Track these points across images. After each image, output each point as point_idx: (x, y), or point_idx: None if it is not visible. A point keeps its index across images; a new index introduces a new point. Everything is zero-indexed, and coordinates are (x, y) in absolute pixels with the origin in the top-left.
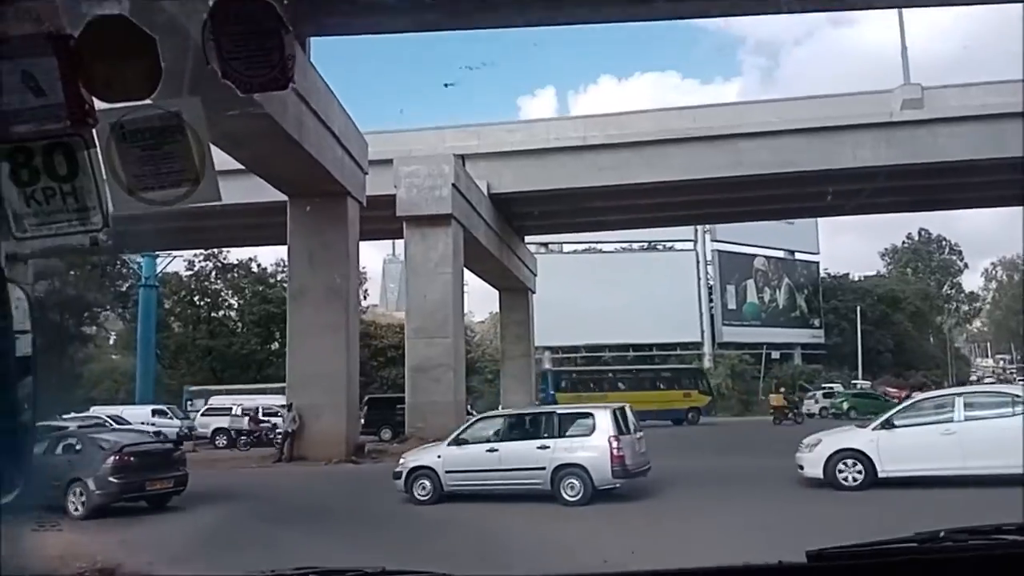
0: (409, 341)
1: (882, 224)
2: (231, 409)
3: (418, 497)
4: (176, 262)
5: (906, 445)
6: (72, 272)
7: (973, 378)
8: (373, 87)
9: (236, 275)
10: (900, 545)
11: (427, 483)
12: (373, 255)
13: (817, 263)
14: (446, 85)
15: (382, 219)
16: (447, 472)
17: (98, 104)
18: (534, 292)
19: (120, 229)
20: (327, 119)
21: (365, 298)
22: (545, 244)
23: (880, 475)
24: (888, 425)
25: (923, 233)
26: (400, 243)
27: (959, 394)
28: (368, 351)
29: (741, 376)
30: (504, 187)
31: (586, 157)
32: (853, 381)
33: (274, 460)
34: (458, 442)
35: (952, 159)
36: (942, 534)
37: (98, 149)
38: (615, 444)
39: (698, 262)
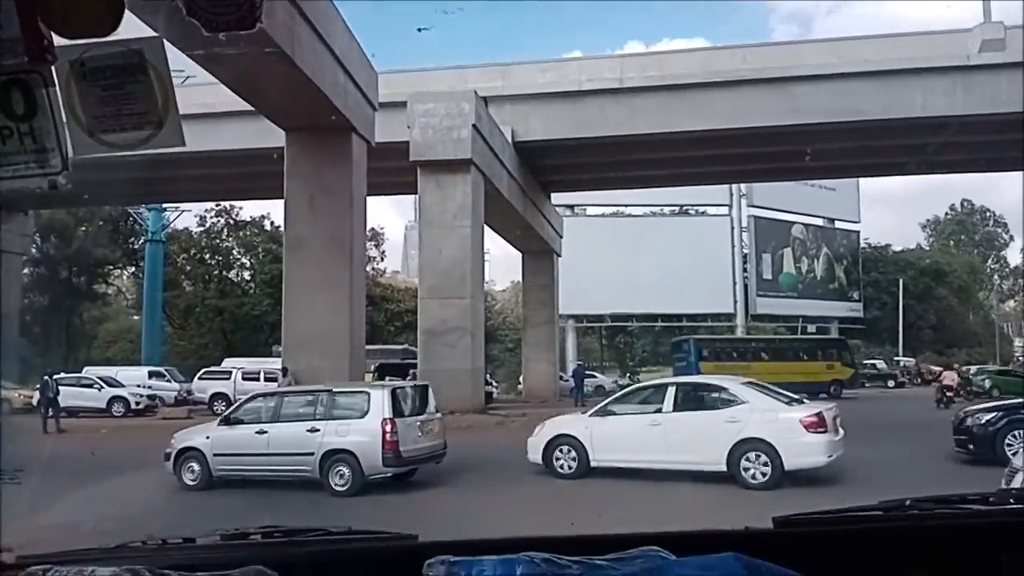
0: (422, 302)
1: (922, 194)
2: (231, 373)
3: (187, 482)
4: (186, 217)
5: (615, 434)
6: (82, 228)
7: (1019, 356)
8: (385, 21)
9: (248, 233)
10: (866, 513)
11: (195, 466)
12: (395, 222)
13: (858, 232)
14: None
15: (398, 171)
16: (215, 455)
17: (57, 40)
18: (559, 255)
19: (122, 177)
20: (326, 36)
21: (382, 260)
22: (571, 206)
23: (592, 464)
24: (604, 412)
25: (966, 204)
26: None
27: (672, 384)
28: (384, 315)
29: None
30: (531, 134)
31: (623, 101)
32: (895, 358)
33: None
34: (229, 421)
35: None
36: (908, 502)
37: (57, 88)
38: (388, 428)
39: (733, 228)
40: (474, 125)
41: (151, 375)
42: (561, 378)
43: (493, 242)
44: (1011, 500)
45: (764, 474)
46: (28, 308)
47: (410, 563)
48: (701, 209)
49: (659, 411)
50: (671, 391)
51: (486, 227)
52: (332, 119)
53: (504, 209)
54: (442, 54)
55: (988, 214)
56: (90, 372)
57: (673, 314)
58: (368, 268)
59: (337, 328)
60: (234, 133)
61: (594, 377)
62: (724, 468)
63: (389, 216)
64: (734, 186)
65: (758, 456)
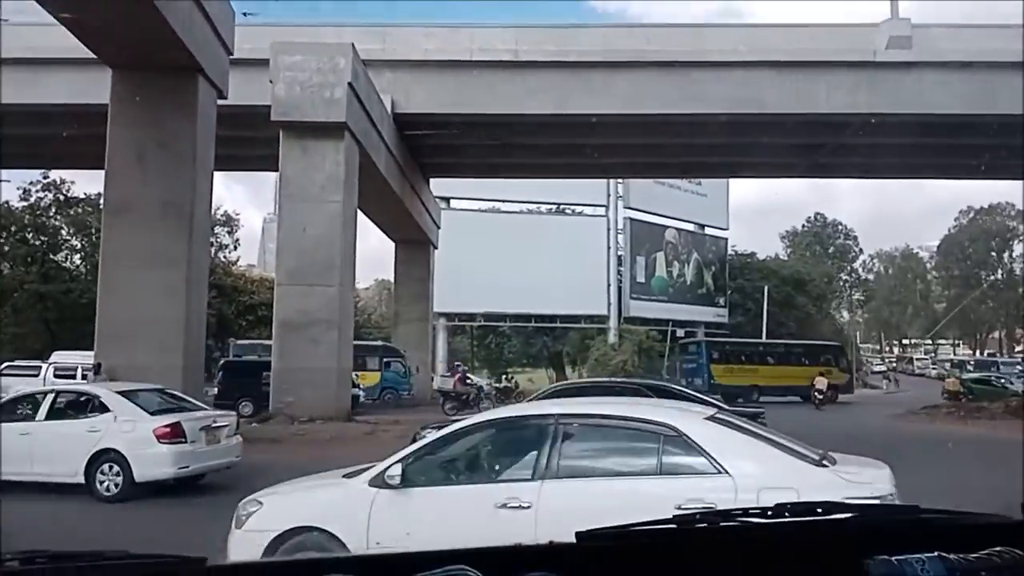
0: (280, 288)
1: (781, 207)
2: (39, 369)
3: None
4: (6, 190)
5: None
6: None
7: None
8: None
9: (81, 211)
10: (663, 527)
11: None
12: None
13: (726, 239)
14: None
15: (259, 142)
16: None
17: None
18: (436, 247)
19: None
20: None
21: (236, 249)
22: (446, 199)
23: None
24: None
25: (819, 217)
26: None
27: (51, 392)
28: (235, 307)
29: (648, 354)
30: (412, 107)
31: (516, 77)
32: None
33: None
34: None
35: (941, 111)
36: (698, 516)
37: None
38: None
39: (609, 230)
40: (350, 84)
41: None
42: (432, 379)
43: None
44: (786, 513)
45: (117, 485)
46: None
47: None
48: (578, 209)
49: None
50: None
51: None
52: (173, 56)
53: (380, 189)
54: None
55: (840, 227)
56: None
57: (547, 315)
58: (220, 256)
59: (169, 316)
60: (63, 84)
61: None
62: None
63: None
64: (611, 186)
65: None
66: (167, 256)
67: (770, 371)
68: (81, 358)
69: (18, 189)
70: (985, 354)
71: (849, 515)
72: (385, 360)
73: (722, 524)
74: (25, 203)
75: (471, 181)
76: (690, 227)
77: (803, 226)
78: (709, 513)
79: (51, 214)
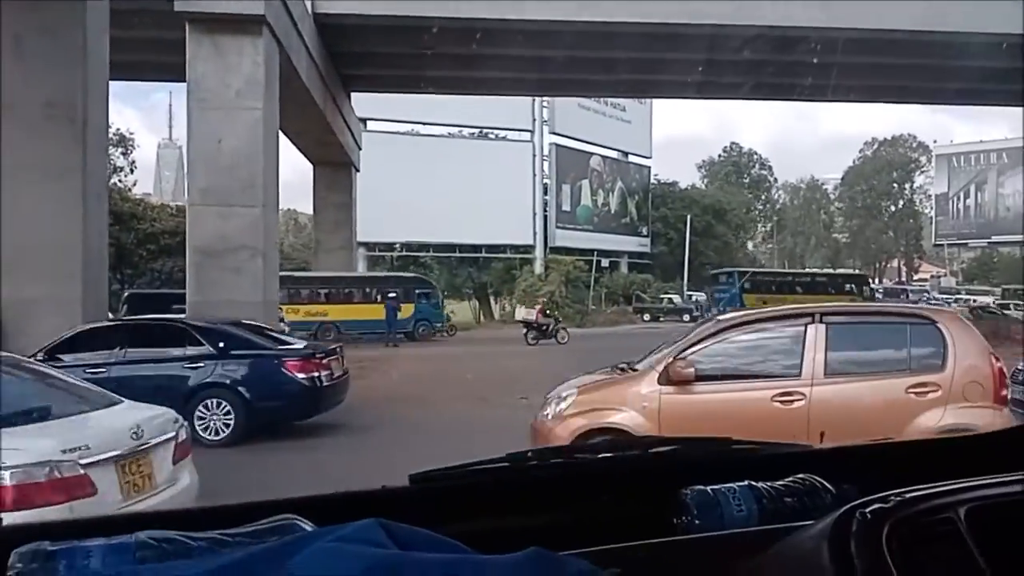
0: (193, 209)
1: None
2: None
3: None
4: None
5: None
6: None
7: None
8: None
9: None
10: (496, 465)
11: None
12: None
13: (649, 168)
14: None
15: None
16: None
17: None
18: (358, 170)
19: None
20: None
21: (132, 173)
22: (363, 120)
23: None
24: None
25: (735, 147)
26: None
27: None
28: (135, 236)
29: (575, 284)
30: (335, 7)
31: None
32: (688, 292)
33: None
34: None
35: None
36: (529, 454)
37: None
38: None
39: (534, 156)
40: None
41: None
42: None
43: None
44: (614, 450)
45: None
46: None
47: None
48: (502, 134)
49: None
50: None
51: None
52: None
53: (300, 101)
54: None
55: (755, 156)
56: None
57: (471, 244)
58: (115, 180)
59: (63, 237)
60: None
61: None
62: None
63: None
64: (537, 110)
65: None
66: (56, 165)
67: (797, 299)
68: None
69: None
70: (882, 283)
71: (668, 448)
72: (418, 292)
73: (552, 461)
74: None
75: (389, 101)
76: (614, 155)
77: (719, 156)
78: (540, 450)
79: None
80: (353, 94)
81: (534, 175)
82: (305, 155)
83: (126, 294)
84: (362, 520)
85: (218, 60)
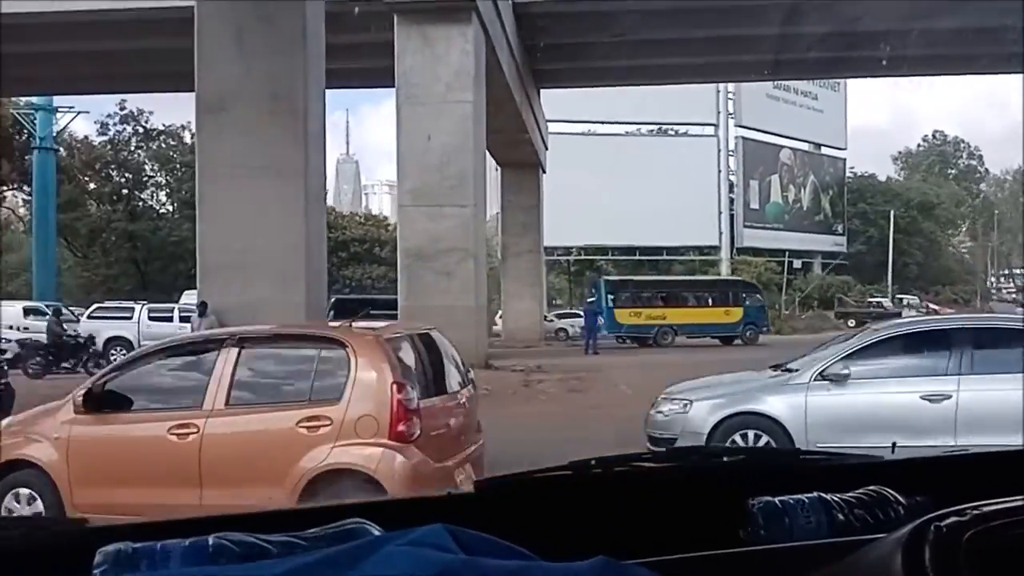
0: (403, 212)
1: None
2: (132, 311)
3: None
4: (83, 123)
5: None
6: None
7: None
8: None
9: (163, 144)
10: (559, 473)
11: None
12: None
13: (844, 160)
14: None
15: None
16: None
17: None
18: (545, 171)
19: None
20: None
21: None
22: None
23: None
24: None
25: (939, 135)
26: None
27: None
28: (327, 244)
29: (765, 287)
30: None
31: None
32: (899, 296)
33: None
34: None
35: None
36: (593, 462)
37: None
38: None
39: (719, 151)
40: None
41: (27, 312)
42: (545, 318)
43: None
44: (677, 458)
45: None
46: None
47: (79, 552)
48: (683, 129)
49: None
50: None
51: None
52: None
53: (499, 97)
54: None
55: (963, 145)
56: None
57: (652, 246)
58: None
59: (287, 239)
60: None
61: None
62: None
63: None
64: (721, 102)
65: None
66: (279, 163)
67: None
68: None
69: (96, 124)
70: None
71: (736, 458)
72: (745, 295)
73: (616, 469)
74: (104, 137)
75: (565, 100)
76: (806, 147)
77: (919, 145)
78: (604, 458)
79: (132, 148)
80: (542, 91)
81: (719, 171)
82: (494, 156)
83: (332, 299)
84: (429, 525)
85: (427, 51)
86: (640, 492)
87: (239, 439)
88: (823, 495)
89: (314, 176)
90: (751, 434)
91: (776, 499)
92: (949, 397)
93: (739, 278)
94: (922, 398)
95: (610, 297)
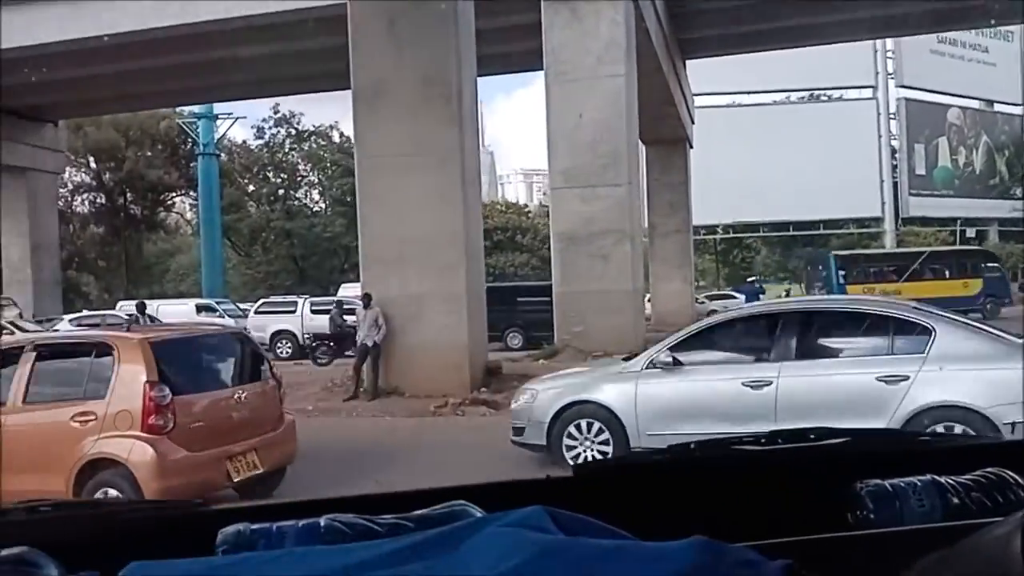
0: (554, 194)
1: None
2: (296, 305)
3: None
4: (240, 129)
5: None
6: (135, 150)
7: None
8: None
9: (314, 145)
10: (658, 457)
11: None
12: None
13: (1021, 117)
14: None
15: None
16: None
17: None
18: (692, 147)
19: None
20: None
21: None
22: None
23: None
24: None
25: None
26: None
27: None
28: None
29: None
30: None
31: None
32: None
33: (345, 396)
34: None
35: None
36: (692, 445)
37: None
38: None
39: (879, 114)
40: None
41: (199, 309)
42: (697, 300)
43: None
44: (779, 440)
45: None
46: (89, 239)
47: (202, 532)
48: (836, 94)
49: None
50: None
51: None
52: None
53: (646, 68)
54: None
55: None
56: (125, 307)
57: (807, 220)
58: None
59: (445, 228)
60: None
61: (735, 298)
62: None
63: None
64: (879, 62)
65: None
66: (436, 150)
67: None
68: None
69: (252, 128)
70: None
71: (842, 440)
72: (984, 266)
73: (715, 452)
74: (261, 141)
75: (708, 70)
76: (977, 105)
77: None
78: (703, 441)
79: (286, 150)
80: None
81: (879, 136)
82: (639, 133)
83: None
84: (529, 507)
85: (575, 26)
86: (741, 475)
87: (30, 431)
88: (936, 477)
89: (469, 160)
90: (584, 423)
91: (886, 482)
92: (769, 383)
93: (976, 248)
94: (744, 384)
95: (840, 273)
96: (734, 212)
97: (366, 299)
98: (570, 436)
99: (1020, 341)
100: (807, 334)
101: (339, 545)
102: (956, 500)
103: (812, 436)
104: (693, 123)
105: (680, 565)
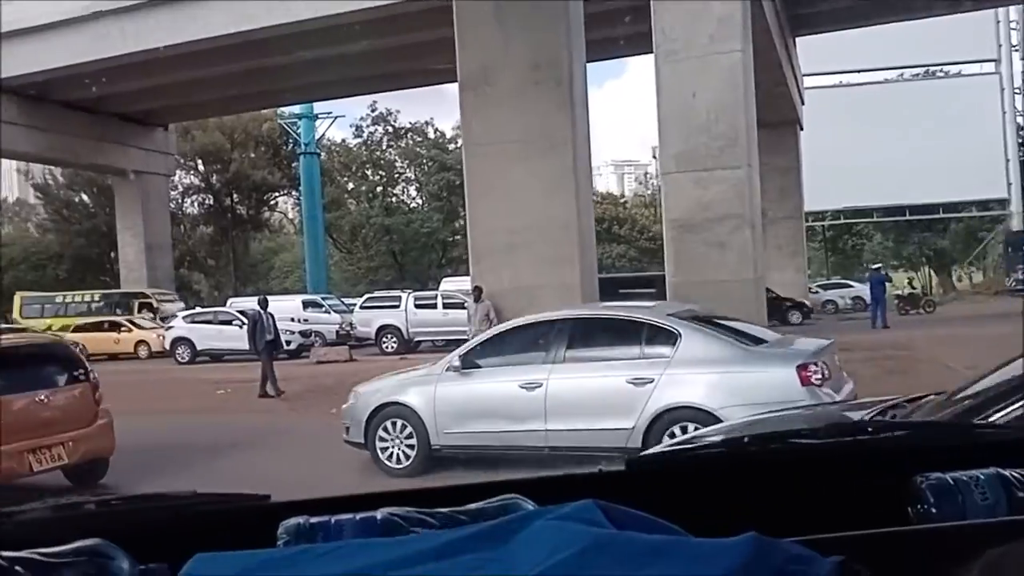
0: (667, 179)
1: None
2: (400, 300)
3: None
4: (337, 128)
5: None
6: (240, 152)
7: None
8: None
9: (410, 141)
10: (713, 451)
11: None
12: None
13: None
14: None
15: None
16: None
17: None
18: (802, 128)
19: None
20: None
21: None
22: None
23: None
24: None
25: None
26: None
27: None
28: None
29: None
30: None
31: None
32: None
33: None
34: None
35: None
36: (746, 439)
37: None
38: None
39: (1002, 90)
40: None
41: (306, 305)
42: (810, 290)
43: None
44: (837, 433)
45: None
46: (199, 239)
47: (263, 525)
48: (955, 69)
49: None
50: None
51: None
52: None
53: (759, 46)
54: None
55: None
56: (235, 304)
57: (923, 204)
58: None
59: (557, 215)
60: None
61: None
62: None
63: None
64: (1002, 33)
65: None
66: (546, 136)
67: None
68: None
69: (351, 127)
70: None
71: (901, 432)
72: None
73: (771, 446)
74: (359, 139)
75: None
76: None
77: None
78: (758, 435)
79: (384, 148)
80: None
81: (1003, 113)
82: None
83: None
84: (581, 501)
85: (687, 3)
86: (797, 470)
87: None
88: (1000, 470)
89: (581, 146)
90: (390, 423)
91: (948, 475)
92: (540, 385)
93: None
94: (520, 387)
95: None
96: (844, 198)
97: (477, 292)
98: (382, 436)
99: (756, 348)
100: (575, 340)
101: (395, 537)
102: (1021, 494)
103: (871, 429)
104: (803, 103)
105: (731, 562)
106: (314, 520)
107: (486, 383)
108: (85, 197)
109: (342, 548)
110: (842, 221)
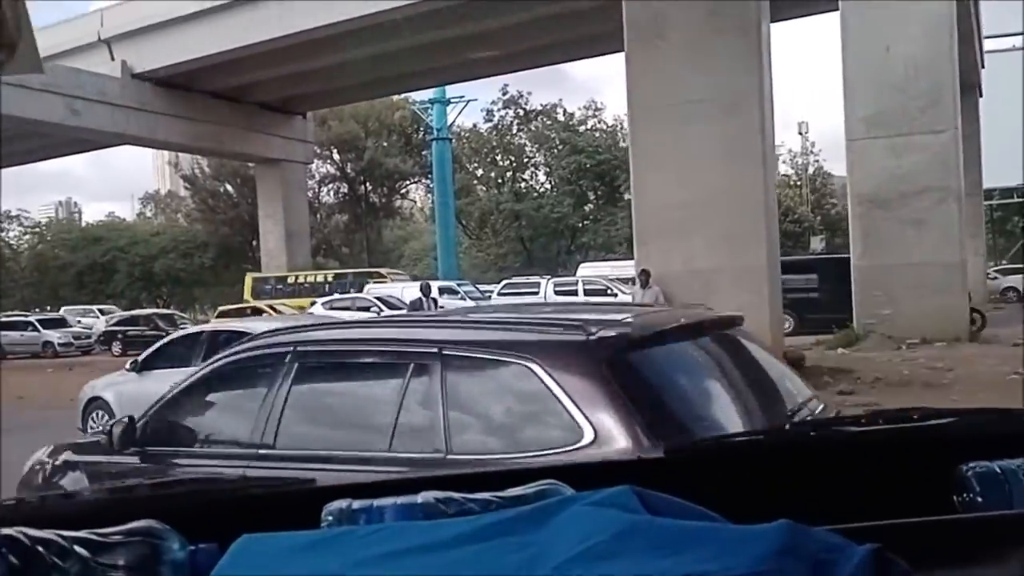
0: (853, 146)
1: None
2: (539, 285)
3: None
4: (467, 114)
5: None
6: (373, 140)
7: None
8: None
9: (540, 124)
10: (753, 438)
11: None
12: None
13: None
14: None
15: None
16: None
17: None
18: (982, 94)
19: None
20: None
21: None
22: None
23: None
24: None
25: None
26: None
27: None
28: None
29: None
30: None
31: None
32: None
33: None
34: None
35: None
36: (787, 427)
37: None
38: None
39: None
40: None
41: (442, 292)
42: (988, 275)
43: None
44: (880, 420)
45: None
46: (335, 227)
47: (309, 507)
48: None
49: None
50: None
51: None
52: None
53: None
54: None
55: None
56: (372, 290)
57: None
58: None
59: (740, 188)
60: None
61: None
62: None
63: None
64: None
65: None
66: (727, 93)
67: None
68: (610, 268)
69: (482, 112)
70: None
71: (945, 420)
72: None
73: (811, 434)
74: (490, 124)
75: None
76: None
77: None
78: (800, 423)
79: (514, 132)
80: None
81: None
82: None
83: None
84: (617, 487)
85: None
86: (837, 457)
87: None
88: None
89: (767, 104)
90: (96, 414)
91: (994, 464)
92: None
93: None
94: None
95: None
96: (1018, 174)
97: (644, 276)
98: (91, 425)
99: None
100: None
101: (435, 520)
102: None
103: (915, 416)
104: (983, 67)
105: (764, 548)
106: (357, 503)
107: (160, 382)
108: (229, 187)
109: (383, 530)
110: (1015, 200)
